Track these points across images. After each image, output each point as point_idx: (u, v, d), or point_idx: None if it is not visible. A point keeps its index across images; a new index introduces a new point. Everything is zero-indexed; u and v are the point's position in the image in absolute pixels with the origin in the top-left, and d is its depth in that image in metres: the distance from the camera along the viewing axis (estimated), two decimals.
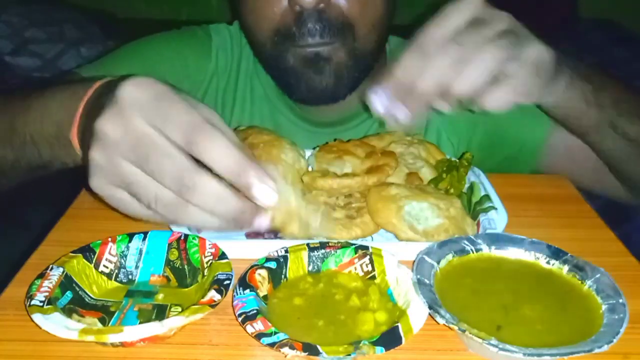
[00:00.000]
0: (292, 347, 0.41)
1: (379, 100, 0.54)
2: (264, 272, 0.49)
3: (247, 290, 0.47)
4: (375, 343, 0.41)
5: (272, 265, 0.50)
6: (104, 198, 0.45)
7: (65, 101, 0.55)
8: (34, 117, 0.59)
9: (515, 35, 0.54)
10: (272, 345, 0.41)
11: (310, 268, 0.52)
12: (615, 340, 0.42)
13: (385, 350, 0.41)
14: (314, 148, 0.72)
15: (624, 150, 0.69)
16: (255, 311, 0.44)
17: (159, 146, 0.41)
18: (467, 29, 0.52)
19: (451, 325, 0.43)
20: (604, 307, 0.46)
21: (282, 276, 0.51)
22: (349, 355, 0.41)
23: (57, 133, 0.56)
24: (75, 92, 0.54)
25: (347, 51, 0.76)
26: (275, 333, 0.42)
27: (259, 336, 0.42)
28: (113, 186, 0.43)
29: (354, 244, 0.53)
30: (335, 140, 0.72)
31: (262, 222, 0.44)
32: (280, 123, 0.88)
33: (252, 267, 0.49)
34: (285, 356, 0.42)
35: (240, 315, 0.44)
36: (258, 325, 0.43)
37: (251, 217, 0.44)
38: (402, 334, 0.42)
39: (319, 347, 0.41)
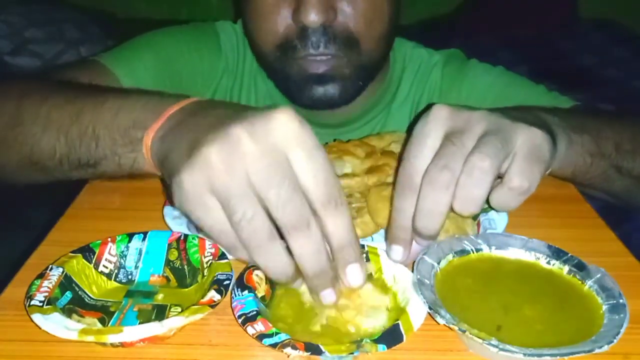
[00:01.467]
0: (294, 347, 0.41)
1: (395, 255, 0.51)
2: (261, 273, 0.49)
3: (246, 292, 0.46)
4: (376, 341, 0.41)
5: None
6: (189, 207, 0.43)
7: (150, 103, 0.54)
8: (108, 108, 0.56)
9: (498, 130, 0.47)
10: (274, 345, 0.41)
11: None
12: (615, 341, 0.42)
13: (387, 348, 0.41)
14: None
15: (630, 187, 0.68)
16: (255, 312, 0.44)
17: (290, 179, 0.41)
18: (446, 145, 0.47)
19: (451, 326, 0.43)
20: (604, 307, 0.46)
21: None
22: (352, 353, 0.41)
23: (128, 129, 0.53)
24: (164, 99, 0.53)
25: (351, 66, 0.76)
26: (277, 333, 0.42)
27: (260, 337, 0.42)
28: (209, 193, 0.42)
29: None
30: (335, 140, 0.72)
31: (329, 296, 0.46)
32: None
33: (249, 267, 0.49)
34: (288, 356, 0.41)
35: (240, 316, 0.44)
36: (259, 326, 0.43)
37: (325, 285, 0.45)
38: (403, 331, 0.43)
39: (321, 346, 0.41)
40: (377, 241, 0.61)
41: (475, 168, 0.45)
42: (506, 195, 0.48)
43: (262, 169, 0.41)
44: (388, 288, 0.50)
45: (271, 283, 0.49)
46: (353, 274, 0.45)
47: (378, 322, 0.47)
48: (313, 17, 0.71)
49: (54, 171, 0.61)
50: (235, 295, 0.46)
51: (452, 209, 0.50)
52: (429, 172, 0.46)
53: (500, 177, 0.49)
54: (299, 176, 0.42)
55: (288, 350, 0.41)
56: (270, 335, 0.42)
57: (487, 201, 0.63)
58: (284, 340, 0.41)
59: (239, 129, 0.41)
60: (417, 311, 0.45)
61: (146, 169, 0.53)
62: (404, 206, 0.48)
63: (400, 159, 0.51)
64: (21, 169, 0.63)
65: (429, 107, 0.50)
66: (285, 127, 0.41)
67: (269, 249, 0.42)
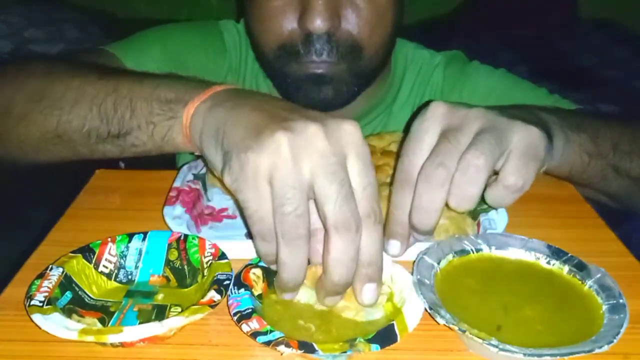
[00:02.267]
0: (287, 345, 0.41)
1: (393, 250, 0.51)
2: (258, 271, 0.49)
3: (242, 290, 0.47)
4: (370, 341, 0.41)
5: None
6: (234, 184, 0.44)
7: (192, 81, 0.56)
8: (147, 83, 0.57)
9: (493, 128, 0.48)
10: (267, 343, 0.41)
11: None
12: (615, 341, 0.42)
13: (381, 348, 0.41)
14: None
15: (628, 188, 0.68)
16: (250, 310, 0.44)
17: (349, 182, 0.43)
18: (442, 142, 0.48)
19: (451, 326, 0.43)
20: (604, 307, 0.46)
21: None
22: (345, 352, 0.41)
23: (170, 100, 0.54)
24: (205, 80, 0.56)
25: (350, 72, 0.76)
26: (271, 331, 0.42)
27: (254, 335, 0.42)
28: (266, 179, 0.43)
29: None
30: None
31: (334, 300, 0.47)
32: None
33: (246, 266, 0.50)
34: (282, 354, 0.42)
35: (235, 314, 0.44)
36: (253, 324, 0.43)
37: (339, 294, 0.46)
38: (397, 332, 0.43)
39: (314, 345, 0.41)
40: None
41: (470, 166, 0.46)
42: (501, 192, 0.48)
43: (329, 165, 0.42)
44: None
45: (268, 281, 0.50)
46: (369, 292, 0.46)
47: (374, 317, 0.47)
48: (318, 24, 0.71)
49: (79, 144, 0.61)
50: (232, 293, 0.46)
51: (449, 210, 0.50)
52: (425, 169, 0.47)
53: (496, 173, 0.49)
54: (352, 184, 0.43)
55: (281, 348, 0.41)
56: (265, 333, 0.42)
57: (486, 200, 0.63)
58: (277, 339, 0.41)
59: (315, 125, 0.43)
60: (413, 312, 0.45)
61: (178, 141, 0.54)
62: (401, 201, 0.49)
63: (398, 156, 0.51)
64: (44, 143, 0.63)
65: (427, 104, 0.51)
66: (353, 136, 0.44)
67: (301, 246, 0.43)
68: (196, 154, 0.55)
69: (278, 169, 0.42)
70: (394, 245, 0.51)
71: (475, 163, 0.46)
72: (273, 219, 0.43)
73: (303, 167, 0.42)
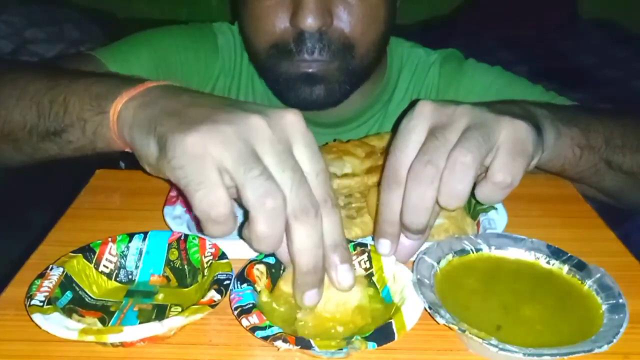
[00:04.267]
0: (285, 341, 0.41)
1: (383, 249, 0.51)
2: (262, 267, 0.49)
3: (245, 285, 0.47)
4: (367, 339, 0.42)
5: (271, 260, 0.50)
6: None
7: (129, 78, 0.55)
8: (84, 81, 0.57)
9: (481, 124, 0.47)
10: (265, 338, 0.41)
11: None
12: (615, 340, 0.42)
13: (378, 346, 0.41)
14: None
15: (621, 183, 0.68)
16: (251, 305, 0.44)
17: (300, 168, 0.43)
18: (430, 140, 0.47)
19: (451, 326, 0.43)
20: (604, 307, 0.46)
21: (281, 271, 0.51)
22: (341, 349, 0.41)
23: (100, 95, 0.53)
24: (143, 78, 0.54)
25: (342, 70, 0.76)
26: (270, 327, 0.42)
27: (253, 329, 0.42)
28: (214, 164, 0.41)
29: (353, 241, 0.53)
30: (334, 140, 0.72)
31: (313, 297, 0.45)
32: None
33: (250, 261, 0.50)
34: (278, 349, 0.42)
35: (236, 308, 0.44)
36: (253, 319, 0.43)
37: (313, 284, 0.45)
38: (395, 330, 0.43)
39: (311, 341, 0.41)
40: None
41: (457, 163, 0.45)
42: (490, 189, 0.48)
43: (278, 153, 0.42)
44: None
45: (272, 277, 0.50)
46: (344, 273, 0.45)
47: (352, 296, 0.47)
48: (310, 22, 0.71)
49: (24, 143, 0.62)
50: (234, 288, 0.46)
51: (450, 214, 0.50)
52: (413, 167, 0.47)
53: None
54: (304, 171, 0.43)
55: (279, 343, 0.41)
56: (263, 328, 0.42)
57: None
58: (275, 334, 0.41)
59: (257, 116, 0.43)
60: (411, 311, 0.45)
61: (108, 136, 0.53)
62: (390, 200, 0.49)
63: (386, 154, 0.51)
64: None
65: (414, 103, 0.51)
66: (296, 125, 0.44)
67: (278, 211, 0.41)
68: (126, 150, 0.53)
69: (229, 150, 0.41)
70: (384, 244, 0.50)
71: (462, 160, 0.45)
72: (230, 201, 0.41)
73: (249, 149, 0.41)
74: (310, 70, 0.75)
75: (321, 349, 0.41)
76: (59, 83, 0.59)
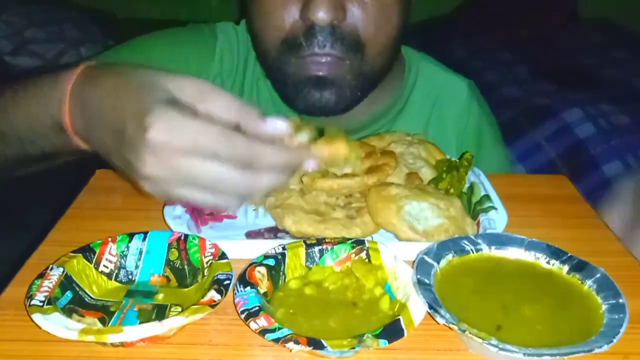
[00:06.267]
0: (296, 342, 0.41)
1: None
2: (263, 270, 0.49)
3: (248, 288, 0.47)
4: (377, 336, 0.42)
5: (271, 262, 0.50)
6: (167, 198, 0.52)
7: (49, 92, 0.56)
8: (22, 112, 0.59)
9: None
10: (276, 340, 0.41)
11: (308, 264, 0.52)
12: (615, 340, 0.42)
13: (389, 343, 0.42)
14: None
15: None
16: (257, 308, 0.44)
17: (207, 132, 0.44)
18: None
19: (451, 325, 0.43)
20: (604, 307, 0.46)
21: (281, 273, 0.51)
22: (353, 348, 0.41)
23: (51, 124, 0.56)
24: (56, 82, 0.55)
25: (353, 73, 0.75)
26: (279, 329, 0.42)
27: (263, 332, 0.42)
28: (176, 188, 0.46)
29: (350, 239, 0.53)
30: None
31: (310, 162, 0.49)
32: None
33: (251, 264, 0.50)
34: (290, 351, 0.42)
35: (242, 312, 0.44)
36: (261, 322, 0.43)
37: (298, 161, 0.49)
38: (403, 326, 0.43)
39: (323, 341, 0.41)
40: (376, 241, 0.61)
41: None
42: None
43: (184, 152, 0.44)
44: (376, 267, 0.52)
45: (273, 279, 0.50)
46: (272, 126, 0.48)
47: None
48: (322, 15, 0.70)
49: (16, 167, 0.66)
50: (238, 292, 0.46)
51: (449, 210, 0.50)
52: None
53: None
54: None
55: (290, 345, 0.41)
56: (273, 331, 0.42)
57: (487, 201, 0.63)
58: (286, 335, 0.41)
59: (151, 133, 0.44)
60: (418, 306, 0.45)
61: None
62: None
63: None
64: None
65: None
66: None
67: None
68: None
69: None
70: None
71: None
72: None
73: (181, 164, 0.45)
74: (320, 73, 0.74)
75: (333, 348, 0.41)
76: (9, 117, 0.61)
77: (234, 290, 0.47)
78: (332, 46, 0.72)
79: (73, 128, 0.54)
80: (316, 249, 0.53)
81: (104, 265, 0.52)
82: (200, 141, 0.44)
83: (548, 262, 0.52)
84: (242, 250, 0.54)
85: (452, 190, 0.65)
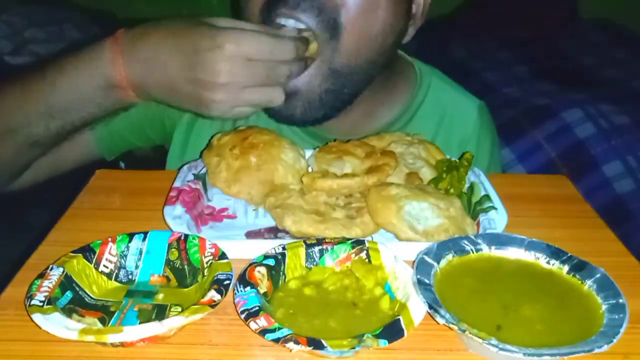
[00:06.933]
0: (296, 342, 0.41)
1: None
2: (263, 270, 0.49)
3: (248, 288, 0.47)
4: (377, 336, 0.42)
5: (271, 262, 0.50)
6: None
7: (94, 58, 0.68)
8: (72, 81, 0.69)
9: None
10: (276, 340, 0.41)
11: (308, 264, 0.52)
12: (615, 340, 0.42)
13: (389, 343, 0.42)
14: (314, 148, 0.72)
15: None
16: (257, 308, 0.44)
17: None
18: None
19: (451, 325, 0.43)
20: (604, 307, 0.46)
21: (281, 273, 0.51)
22: (353, 348, 0.41)
23: (104, 83, 0.66)
24: (100, 48, 0.69)
25: (322, 69, 0.70)
26: (279, 329, 0.42)
27: (262, 332, 0.42)
28: (243, 92, 0.63)
29: (350, 240, 0.53)
30: (334, 140, 0.72)
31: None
32: (286, 137, 0.86)
33: (251, 264, 0.50)
34: (290, 351, 0.42)
35: (242, 312, 0.44)
36: (261, 322, 0.43)
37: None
38: (403, 326, 0.43)
39: (323, 341, 0.41)
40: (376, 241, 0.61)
41: None
42: None
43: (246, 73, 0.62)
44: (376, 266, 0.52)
45: (273, 279, 0.50)
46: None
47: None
48: None
49: (56, 140, 0.74)
50: (238, 292, 0.46)
51: (449, 210, 0.49)
52: None
53: None
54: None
55: (290, 345, 0.41)
56: (273, 331, 0.42)
57: (487, 201, 0.63)
58: (286, 336, 0.41)
59: (217, 67, 0.61)
60: (418, 306, 0.45)
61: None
62: None
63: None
64: None
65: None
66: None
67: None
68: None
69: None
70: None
71: None
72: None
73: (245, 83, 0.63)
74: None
75: (334, 348, 0.41)
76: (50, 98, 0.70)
77: (234, 290, 0.47)
78: (304, 10, 0.67)
79: (129, 79, 0.65)
80: (316, 249, 0.53)
81: (104, 265, 0.52)
82: (263, 45, 0.61)
83: (548, 262, 0.52)
84: (242, 250, 0.54)
85: (452, 190, 0.65)
